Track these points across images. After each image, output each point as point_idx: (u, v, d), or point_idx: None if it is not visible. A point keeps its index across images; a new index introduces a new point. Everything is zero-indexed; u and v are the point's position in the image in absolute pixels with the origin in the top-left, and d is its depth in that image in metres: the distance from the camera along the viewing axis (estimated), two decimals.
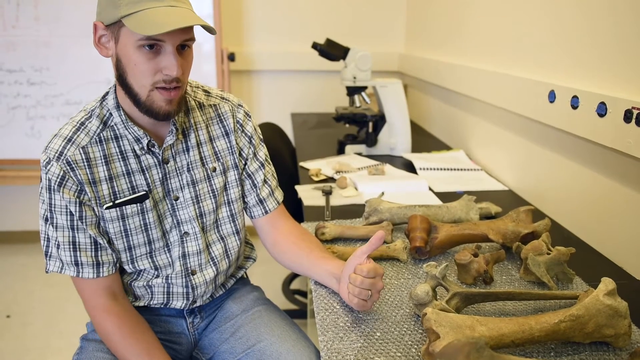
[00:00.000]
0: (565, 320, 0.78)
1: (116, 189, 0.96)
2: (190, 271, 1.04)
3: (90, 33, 2.50)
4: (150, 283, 1.03)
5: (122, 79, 0.90)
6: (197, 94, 1.07)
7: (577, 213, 1.26)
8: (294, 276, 2.50)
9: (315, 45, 1.88)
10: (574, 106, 1.21)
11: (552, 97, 1.31)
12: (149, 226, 0.99)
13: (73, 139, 0.93)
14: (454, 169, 1.74)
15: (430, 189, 1.54)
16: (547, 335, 0.77)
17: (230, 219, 1.08)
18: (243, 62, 2.75)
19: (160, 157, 0.99)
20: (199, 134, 1.04)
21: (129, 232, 0.98)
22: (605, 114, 1.10)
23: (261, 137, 1.13)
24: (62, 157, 0.92)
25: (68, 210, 0.92)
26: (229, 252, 1.09)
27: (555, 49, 1.35)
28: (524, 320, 0.78)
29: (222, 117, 1.07)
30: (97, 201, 0.95)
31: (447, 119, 2.22)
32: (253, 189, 1.10)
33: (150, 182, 0.99)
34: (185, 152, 1.02)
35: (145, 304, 1.07)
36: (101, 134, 0.95)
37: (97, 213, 0.95)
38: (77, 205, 0.93)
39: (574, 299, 0.90)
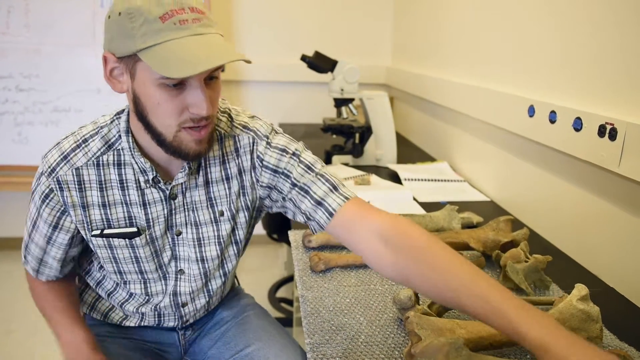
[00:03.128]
0: None
1: (110, 217, 0.89)
2: (180, 304, 1.01)
3: (81, 41, 2.52)
4: (139, 310, 1.00)
5: (141, 116, 0.80)
6: (220, 122, 0.93)
7: (554, 223, 1.31)
8: (280, 284, 2.52)
9: (304, 58, 1.92)
10: (552, 121, 1.27)
11: (531, 111, 1.36)
12: (140, 260, 0.93)
13: (69, 158, 0.86)
14: (438, 180, 1.78)
15: (414, 199, 1.58)
16: None
17: (235, 256, 1.02)
18: (232, 73, 2.79)
19: (167, 193, 0.90)
20: (211, 172, 0.92)
21: (119, 261, 0.93)
22: (581, 128, 1.15)
23: (296, 150, 0.91)
24: (53, 174, 0.86)
25: (47, 225, 0.90)
26: (225, 285, 1.06)
27: (534, 65, 1.41)
28: None
29: (239, 152, 0.93)
30: (86, 225, 0.89)
31: (431, 131, 2.28)
32: (297, 209, 0.90)
33: (151, 218, 0.90)
34: (195, 189, 0.92)
35: (136, 324, 1.05)
36: (101, 157, 0.87)
37: (85, 237, 0.91)
38: (53, 226, 0.90)
39: (550, 305, 0.95)
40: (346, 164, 1.96)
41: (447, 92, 2.01)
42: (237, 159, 0.93)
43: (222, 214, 0.94)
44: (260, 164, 0.92)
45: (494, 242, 1.13)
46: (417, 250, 0.75)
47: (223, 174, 0.93)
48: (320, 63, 1.93)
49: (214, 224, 0.95)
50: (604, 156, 1.07)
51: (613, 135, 1.04)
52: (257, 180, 0.93)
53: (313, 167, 0.90)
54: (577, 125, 1.17)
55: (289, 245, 1.48)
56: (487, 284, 0.68)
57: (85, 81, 2.57)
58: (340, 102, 1.97)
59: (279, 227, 2.02)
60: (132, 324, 1.04)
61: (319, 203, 0.86)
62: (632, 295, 1.03)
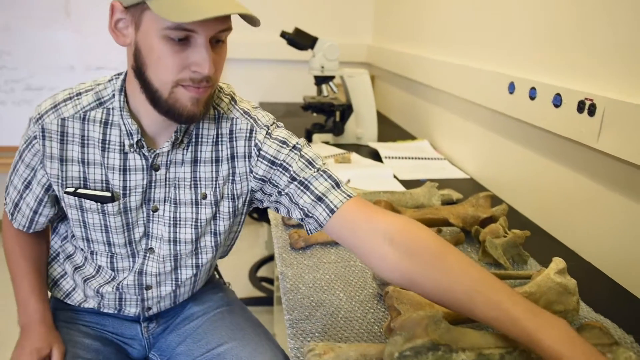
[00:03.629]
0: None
1: (87, 176, 0.85)
2: (145, 286, 0.95)
3: (54, 16, 2.43)
4: (100, 290, 0.94)
5: (139, 72, 0.77)
6: (221, 102, 0.89)
7: (533, 199, 1.32)
8: (260, 264, 2.52)
9: (283, 34, 1.89)
10: (532, 97, 1.26)
11: (511, 88, 1.36)
12: (109, 229, 0.89)
13: (59, 107, 0.84)
14: (418, 158, 1.78)
15: (395, 176, 1.57)
16: None
17: (213, 249, 0.95)
18: None
19: (149, 162, 0.85)
20: (202, 150, 0.88)
21: (88, 226, 0.89)
22: (561, 104, 1.15)
23: (297, 144, 0.86)
24: (40, 121, 0.83)
25: (27, 169, 0.88)
26: (198, 279, 0.99)
27: (515, 42, 1.40)
28: None
29: (235, 137, 0.88)
30: (61, 181, 0.86)
31: (412, 110, 2.27)
32: (294, 205, 0.84)
33: (128, 186, 0.86)
34: (181, 165, 0.88)
35: (95, 307, 0.99)
36: (89, 113, 0.83)
37: (57, 193, 0.88)
38: (32, 172, 0.87)
39: (528, 278, 0.95)
40: (327, 142, 1.94)
41: (428, 70, 2.00)
42: (232, 142, 0.88)
43: (204, 196, 0.89)
44: (257, 154, 0.86)
45: (473, 217, 1.13)
46: (429, 255, 0.71)
47: (213, 155, 0.88)
48: (300, 40, 1.89)
49: (194, 205, 0.89)
50: (583, 132, 1.08)
51: (592, 110, 1.05)
52: (251, 171, 0.88)
53: (314, 163, 0.84)
54: (557, 101, 1.17)
55: (269, 224, 1.47)
56: (499, 288, 0.66)
57: (58, 58, 2.49)
58: (320, 80, 1.95)
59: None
60: (91, 306, 0.99)
61: (320, 199, 0.80)
62: (608, 269, 1.04)
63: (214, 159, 0.88)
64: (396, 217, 0.76)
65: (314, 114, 2.03)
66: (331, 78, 1.94)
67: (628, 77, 1.00)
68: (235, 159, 0.88)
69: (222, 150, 0.88)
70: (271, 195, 0.88)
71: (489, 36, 1.55)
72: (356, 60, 2.92)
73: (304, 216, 0.82)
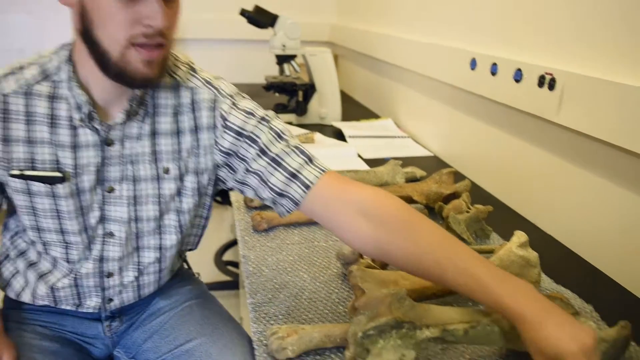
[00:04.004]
0: None
1: (35, 157, 0.78)
2: (105, 273, 0.86)
3: None
4: (57, 284, 0.86)
5: (87, 34, 0.71)
6: (177, 70, 0.83)
7: (495, 174, 1.33)
8: (226, 247, 2.48)
9: (243, 12, 1.83)
10: (493, 73, 1.26)
11: (473, 64, 1.36)
12: (61, 215, 0.81)
13: None
14: (382, 137, 1.77)
15: (359, 155, 1.56)
16: None
17: (177, 229, 0.88)
18: None
19: (102, 137, 0.79)
20: (161, 122, 0.81)
21: (37, 212, 0.81)
22: (521, 79, 1.15)
23: (265, 115, 0.83)
24: None
25: None
26: (162, 262, 0.90)
27: (476, 18, 1.39)
28: None
29: (198, 107, 0.82)
30: (5, 164, 0.78)
31: (376, 89, 2.25)
32: (263, 184, 0.80)
33: (80, 164, 0.79)
34: (138, 140, 0.81)
35: (51, 303, 0.88)
36: (33, 87, 0.77)
37: (1, 178, 0.80)
38: None
39: (491, 252, 0.96)
40: (290, 123, 1.91)
41: (391, 48, 1.98)
42: (194, 113, 0.82)
43: (167, 171, 0.83)
44: (223, 124, 0.81)
45: (436, 194, 1.12)
46: (399, 224, 0.70)
47: (174, 126, 0.82)
48: (261, 18, 1.84)
49: (155, 181, 0.83)
50: (543, 106, 1.08)
51: (552, 85, 1.05)
52: (216, 143, 0.82)
53: (284, 136, 0.81)
54: (518, 76, 1.16)
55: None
56: (469, 255, 0.66)
57: (6, 41, 2.36)
58: (282, 59, 1.91)
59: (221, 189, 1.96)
60: (46, 302, 0.89)
61: (294, 176, 0.76)
62: (567, 241, 1.06)
63: (174, 130, 0.82)
64: (368, 189, 0.75)
65: (276, 94, 1.99)
66: (293, 57, 1.90)
67: (587, 51, 1.00)
68: (199, 131, 0.83)
69: (183, 122, 0.82)
70: (236, 172, 0.83)
71: (451, 13, 1.54)
72: (319, 39, 2.87)
73: (276, 195, 0.78)
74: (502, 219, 1.16)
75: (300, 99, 1.92)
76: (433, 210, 1.13)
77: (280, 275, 0.90)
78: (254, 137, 0.80)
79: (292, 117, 1.92)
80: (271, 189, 0.78)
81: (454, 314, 0.66)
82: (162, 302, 0.97)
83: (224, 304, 1.02)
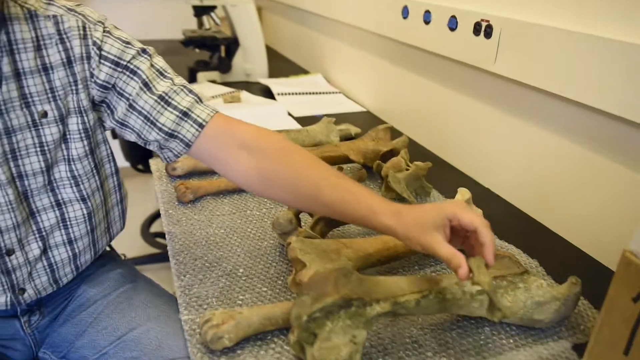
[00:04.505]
0: None
1: None
2: (4, 250, 0.72)
3: None
4: None
5: None
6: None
7: (431, 129, 1.29)
8: (153, 218, 2.34)
9: None
10: (427, 21, 1.20)
11: (405, 13, 1.29)
12: None
13: None
14: (312, 93, 1.68)
15: (289, 114, 1.47)
16: (410, 251, 0.77)
17: (72, 181, 0.75)
18: None
19: None
20: (22, 59, 0.69)
21: None
22: (456, 27, 1.10)
23: (146, 49, 0.76)
24: None
25: None
26: (68, 223, 0.77)
27: None
28: (388, 238, 0.77)
29: (66, 37, 0.71)
30: None
31: (303, 43, 2.14)
32: (150, 125, 0.73)
33: None
34: None
35: None
36: None
37: None
38: None
39: None
40: (213, 81, 1.77)
41: None
42: (62, 44, 0.71)
43: (44, 114, 0.71)
44: (98, 54, 0.72)
45: (374, 152, 1.07)
46: (278, 152, 0.73)
47: (39, 62, 0.70)
48: None
49: (33, 128, 0.70)
50: (479, 55, 1.03)
51: (488, 32, 1.00)
52: (92, 75, 0.72)
53: (167, 74, 0.76)
54: (452, 24, 1.11)
55: None
56: (340, 174, 0.70)
57: None
58: (200, 11, 1.75)
59: (143, 156, 1.81)
60: None
61: (185, 114, 0.72)
62: (508, 195, 1.04)
63: (41, 67, 0.70)
64: (252, 126, 0.75)
65: (197, 50, 1.83)
66: (212, 8, 1.75)
67: None
68: (73, 64, 0.71)
69: (50, 55, 0.71)
70: (116, 110, 0.74)
71: None
72: None
73: (165, 137, 0.73)
74: (441, 175, 1.12)
75: (223, 54, 1.78)
76: (371, 169, 1.08)
77: (211, 251, 0.81)
78: (134, 68, 0.73)
79: (215, 74, 1.78)
80: (160, 129, 0.72)
81: (403, 284, 0.61)
82: (90, 290, 0.85)
83: (156, 278, 0.92)
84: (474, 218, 0.59)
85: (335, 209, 0.67)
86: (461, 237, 0.63)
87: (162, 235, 2.25)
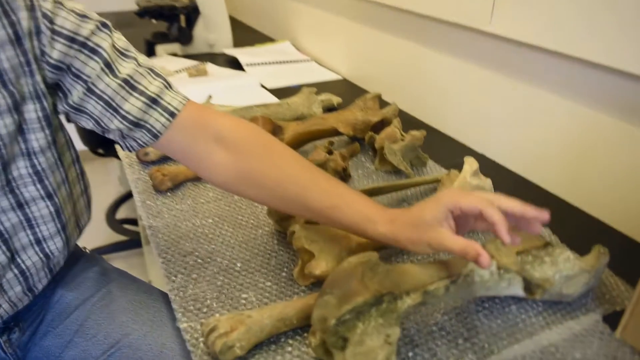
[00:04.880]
0: None
1: None
2: None
3: None
4: None
5: None
6: None
7: (417, 94, 1.22)
8: (118, 204, 2.21)
9: None
10: None
11: None
12: None
13: None
14: (283, 62, 1.59)
15: (262, 86, 1.37)
16: None
17: (35, 178, 0.64)
18: None
19: None
20: None
21: None
22: None
23: (106, 22, 0.65)
24: None
25: None
26: (33, 222, 0.66)
27: None
28: None
29: (9, 8, 0.58)
30: None
31: (268, 9, 2.02)
32: (112, 112, 0.62)
33: None
34: None
35: None
36: None
37: None
38: None
39: (437, 182, 0.86)
40: (174, 54, 1.64)
41: None
42: (7, 17, 0.58)
43: None
44: (50, 28, 0.59)
45: (364, 123, 0.99)
46: (261, 150, 0.64)
47: None
48: None
49: None
50: (474, 14, 0.96)
51: None
52: (43, 53, 0.60)
53: (130, 53, 0.64)
54: None
55: (119, 159, 1.20)
56: (330, 178, 0.63)
57: None
58: None
59: (104, 139, 1.67)
60: None
61: (154, 101, 0.62)
62: (507, 161, 1.00)
63: None
64: (226, 117, 0.66)
65: (153, 21, 1.69)
66: None
67: None
68: (23, 40, 0.59)
69: None
70: (70, 94, 0.62)
71: None
72: None
73: (129, 126, 0.62)
74: (432, 143, 1.06)
75: (183, 24, 1.65)
76: (362, 142, 1.01)
77: (201, 245, 0.73)
78: (94, 46, 0.61)
79: (175, 47, 1.65)
80: (124, 117, 0.62)
81: (432, 270, 0.55)
82: (68, 295, 0.75)
83: (128, 267, 0.82)
84: (474, 201, 0.53)
85: (325, 215, 0.60)
86: (469, 223, 0.57)
87: (129, 221, 2.13)
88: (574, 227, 0.80)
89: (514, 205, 0.54)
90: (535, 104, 0.91)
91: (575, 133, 0.85)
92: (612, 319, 0.61)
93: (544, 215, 0.53)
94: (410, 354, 0.56)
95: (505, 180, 0.94)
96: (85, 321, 0.72)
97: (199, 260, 0.70)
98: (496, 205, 0.53)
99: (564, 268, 0.61)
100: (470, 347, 0.57)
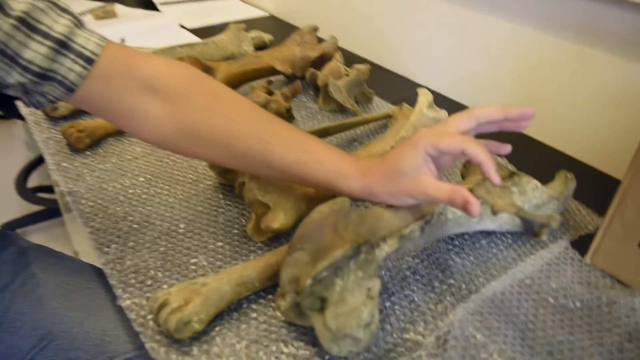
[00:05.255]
0: (398, 144, 0.66)
1: None
2: None
3: None
4: None
5: None
6: None
7: (349, 27, 1.14)
8: (28, 169, 1.99)
9: None
10: None
11: None
12: None
13: None
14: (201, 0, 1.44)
15: (182, 26, 1.23)
16: None
17: None
18: None
19: None
20: None
21: None
22: None
23: None
24: None
25: None
26: None
27: None
28: (353, 153, 0.65)
29: None
30: None
31: None
32: (9, 62, 0.47)
33: None
34: None
35: None
36: None
37: None
38: None
39: (388, 118, 0.81)
40: None
41: None
42: None
43: None
44: None
45: (303, 59, 0.91)
46: (205, 97, 0.52)
47: None
48: None
49: None
50: None
51: None
52: None
53: None
54: None
55: (22, 120, 1.05)
56: (292, 128, 0.53)
57: None
58: None
59: (1, 99, 1.46)
60: None
61: (63, 45, 0.47)
62: (450, 92, 0.96)
63: None
64: (157, 59, 0.53)
65: None
66: None
67: None
68: None
69: None
70: None
71: None
72: None
73: (33, 79, 0.47)
74: (375, 79, 0.99)
75: None
76: (302, 79, 0.92)
77: (134, 208, 0.64)
78: None
79: None
80: (26, 68, 0.47)
81: (403, 214, 0.50)
82: None
83: (47, 240, 0.71)
84: (454, 141, 0.46)
85: (289, 173, 0.51)
86: (445, 163, 0.50)
87: (44, 189, 1.93)
88: (528, 156, 0.78)
89: (493, 111, 0.48)
90: (479, 30, 0.86)
91: (522, 57, 0.81)
92: (578, 245, 0.60)
93: (529, 110, 0.48)
94: (388, 304, 0.51)
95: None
96: (7, 313, 0.60)
97: (135, 226, 0.61)
98: (474, 118, 0.48)
99: (533, 197, 0.59)
100: (447, 288, 0.53)
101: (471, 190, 0.47)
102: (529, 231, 0.59)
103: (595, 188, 0.70)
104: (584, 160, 0.77)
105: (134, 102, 0.51)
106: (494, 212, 0.47)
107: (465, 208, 0.44)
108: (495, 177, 0.46)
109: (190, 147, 0.52)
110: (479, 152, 0.45)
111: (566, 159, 0.78)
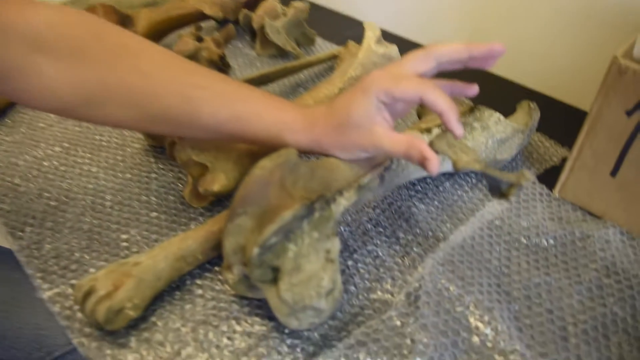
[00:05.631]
0: (346, 85, 0.60)
1: None
2: None
3: None
4: None
5: None
6: None
7: None
8: None
9: None
10: None
11: None
12: None
13: None
14: None
15: None
16: None
17: None
18: None
19: None
20: None
21: None
22: None
23: None
24: None
25: None
26: None
27: None
28: (299, 100, 0.58)
29: None
30: None
31: None
32: None
33: None
34: None
35: None
36: None
37: None
38: None
39: (334, 59, 0.74)
40: None
41: None
42: None
43: None
44: None
45: (234, 0, 0.82)
46: (108, 51, 0.42)
47: None
48: None
49: None
50: None
51: None
52: None
53: None
54: None
55: None
56: (225, 78, 0.45)
57: None
58: None
59: None
60: None
61: None
62: (397, 27, 0.89)
63: None
64: (45, 9, 0.41)
65: None
66: None
67: None
68: None
69: None
70: None
71: None
72: None
73: None
74: (314, 19, 0.91)
75: None
76: (236, 23, 0.83)
77: (50, 182, 0.55)
78: None
79: None
80: None
81: (357, 164, 0.44)
82: None
83: None
84: (411, 86, 0.39)
85: (225, 132, 0.44)
86: (402, 110, 0.43)
87: None
88: (485, 91, 0.74)
89: (456, 49, 0.41)
90: None
91: None
92: (545, 179, 0.57)
93: (498, 46, 0.41)
94: (350, 262, 0.46)
95: (402, 49, 0.84)
96: None
97: (52, 203, 0.52)
98: (433, 57, 0.41)
99: (496, 131, 0.54)
100: (413, 239, 0.49)
101: (431, 143, 0.41)
102: (495, 190, 0.54)
103: (557, 119, 0.66)
104: (543, 91, 0.73)
105: (21, 64, 0.40)
106: (456, 169, 0.41)
107: (423, 164, 0.38)
108: (458, 129, 0.40)
109: (96, 112, 0.43)
110: (439, 99, 0.39)
111: (525, 91, 0.74)
